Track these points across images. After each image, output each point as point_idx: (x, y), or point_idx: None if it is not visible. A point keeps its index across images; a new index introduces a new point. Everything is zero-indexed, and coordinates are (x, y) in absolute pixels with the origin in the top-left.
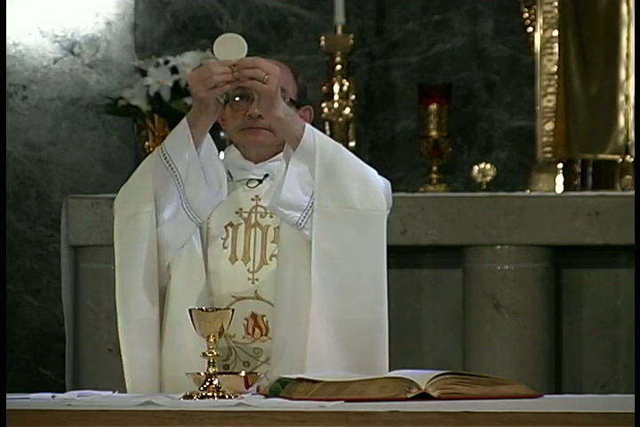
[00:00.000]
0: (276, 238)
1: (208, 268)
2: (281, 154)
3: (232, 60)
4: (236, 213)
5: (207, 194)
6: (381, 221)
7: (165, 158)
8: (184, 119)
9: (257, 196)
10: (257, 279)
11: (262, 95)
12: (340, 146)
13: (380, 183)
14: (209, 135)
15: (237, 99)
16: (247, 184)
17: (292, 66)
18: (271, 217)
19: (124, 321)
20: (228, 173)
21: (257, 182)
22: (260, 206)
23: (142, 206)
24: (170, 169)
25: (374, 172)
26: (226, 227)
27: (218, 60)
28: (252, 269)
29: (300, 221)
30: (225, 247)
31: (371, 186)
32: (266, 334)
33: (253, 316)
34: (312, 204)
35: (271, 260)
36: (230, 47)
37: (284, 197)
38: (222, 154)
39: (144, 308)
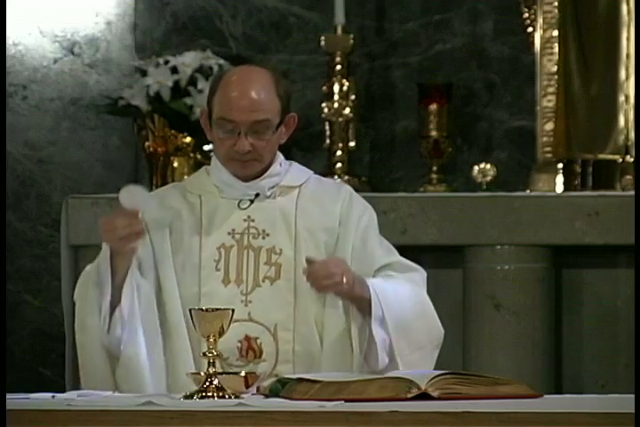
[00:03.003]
0: (269, 260)
1: (201, 290)
2: (270, 171)
3: (137, 208)
4: (229, 234)
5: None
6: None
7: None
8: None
9: (249, 216)
10: (250, 301)
11: (343, 292)
12: (398, 289)
13: (429, 303)
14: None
15: (222, 135)
16: (239, 204)
17: (271, 68)
18: (263, 238)
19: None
20: (217, 189)
21: (249, 203)
22: (253, 228)
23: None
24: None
25: (420, 275)
26: (218, 248)
27: (122, 211)
28: (244, 292)
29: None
30: (218, 269)
31: (430, 318)
32: (259, 357)
33: (247, 338)
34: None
35: (264, 282)
36: (135, 197)
37: (383, 362)
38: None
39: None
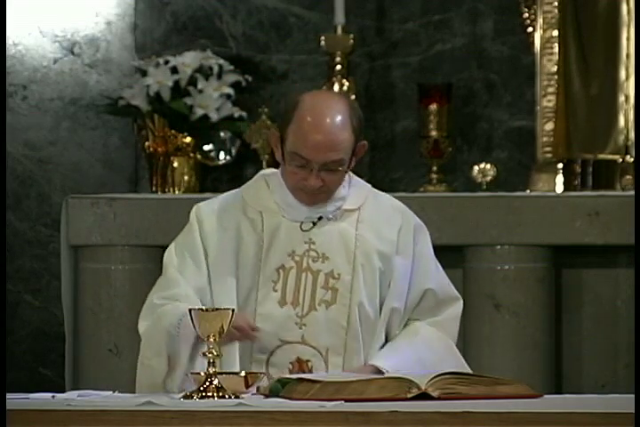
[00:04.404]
0: (326, 284)
1: (257, 309)
2: (336, 195)
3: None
4: (289, 255)
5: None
6: None
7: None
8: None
9: (310, 239)
10: (304, 324)
11: None
12: (418, 356)
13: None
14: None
15: (294, 169)
16: (301, 226)
17: (345, 97)
18: (323, 262)
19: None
20: (278, 206)
21: (311, 225)
22: (313, 251)
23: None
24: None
25: (455, 309)
26: (277, 269)
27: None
28: (300, 314)
29: None
30: (275, 290)
31: (458, 356)
32: None
33: (299, 361)
34: None
35: (320, 305)
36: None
37: None
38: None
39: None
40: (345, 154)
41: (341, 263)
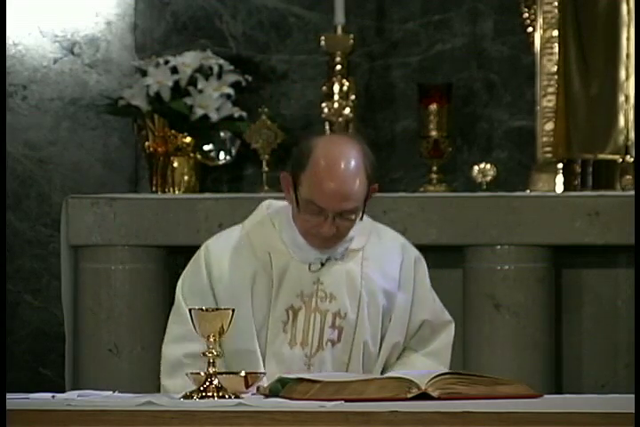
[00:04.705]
0: (333, 324)
1: (267, 349)
2: (346, 238)
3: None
4: (297, 296)
5: None
6: None
7: None
8: None
9: (319, 279)
10: (312, 364)
11: None
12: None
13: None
14: None
15: (308, 216)
16: (310, 267)
17: (358, 140)
18: (330, 302)
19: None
20: (286, 246)
21: (320, 266)
22: (322, 291)
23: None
24: None
25: (447, 334)
26: (287, 310)
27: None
28: (309, 354)
29: None
30: (285, 331)
31: None
32: None
33: None
34: None
35: (326, 345)
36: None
37: None
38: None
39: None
40: (359, 202)
41: (347, 302)
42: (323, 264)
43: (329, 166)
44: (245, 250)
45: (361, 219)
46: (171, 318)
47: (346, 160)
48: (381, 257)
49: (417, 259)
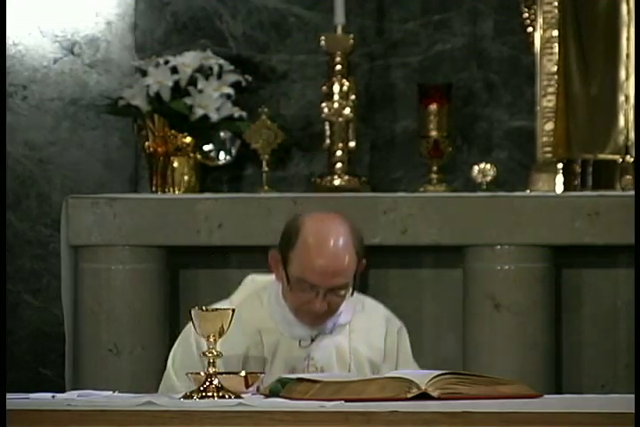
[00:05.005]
0: None
1: None
2: (336, 313)
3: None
4: (290, 372)
5: None
6: None
7: None
8: None
9: (309, 355)
10: None
11: None
12: None
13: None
14: None
15: (299, 293)
16: (300, 343)
17: (345, 218)
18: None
19: None
20: (276, 324)
21: (310, 341)
22: (312, 366)
23: None
24: None
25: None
26: None
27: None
28: None
29: None
30: None
31: None
32: None
33: None
34: None
35: None
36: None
37: None
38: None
39: None
40: (349, 277)
41: None
42: (313, 340)
43: (318, 243)
44: (235, 327)
45: (352, 294)
46: (160, 387)
47: (334, 237)
48: (368, 328)
49: (399, 329)
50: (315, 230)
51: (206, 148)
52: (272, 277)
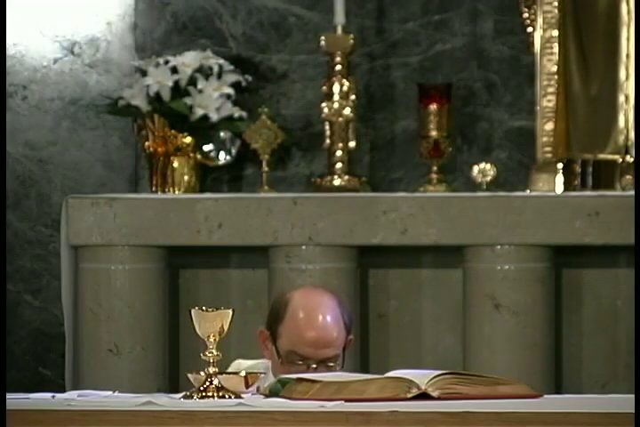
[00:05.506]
0: None
1: None
2: None
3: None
4: None
5: None
6: None
7: None
8: None
9: None
10: None
11: None
12: None
13: None
14: None
15: (291, 367)
16: None
17: (337, 298)
18: None
19: None
20: None
21: None
22: None
23: None
24: None
25: None
26: None
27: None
28: None
29: None
30: None
31: None
32: None
33: None
34: None
35: None
36: None
37: None
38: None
39: None
40: (339, 349)
41: None
42: None
43: (308, 315)
44: None
45: (342, 367)
46: None
47: (323, 309)
48: None
49: None
50: (304, 303)
51: (206, 148)
52: (258, 360)
